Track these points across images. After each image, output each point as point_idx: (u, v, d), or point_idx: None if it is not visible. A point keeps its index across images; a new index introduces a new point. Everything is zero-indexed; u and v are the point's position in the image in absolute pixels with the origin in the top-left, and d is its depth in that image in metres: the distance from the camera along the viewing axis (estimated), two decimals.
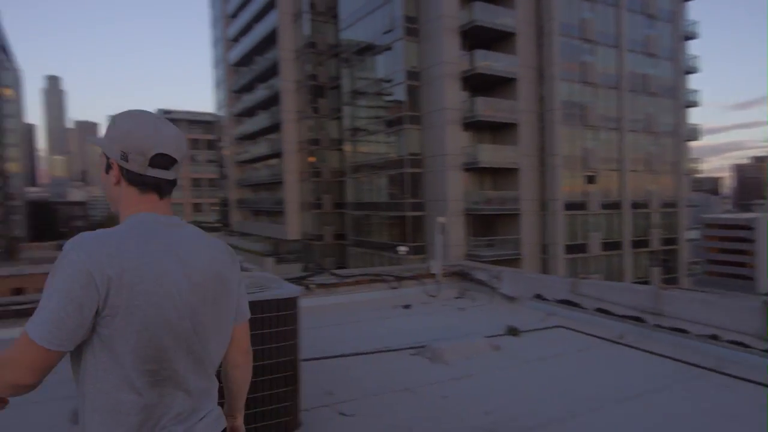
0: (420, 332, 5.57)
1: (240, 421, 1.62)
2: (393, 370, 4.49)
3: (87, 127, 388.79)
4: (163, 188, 1.36)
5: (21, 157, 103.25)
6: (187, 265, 1.28)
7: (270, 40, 42.32)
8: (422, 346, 4.95)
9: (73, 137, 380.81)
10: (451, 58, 27.06)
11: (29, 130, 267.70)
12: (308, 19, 38.03)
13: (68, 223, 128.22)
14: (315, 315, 6.15)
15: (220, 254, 1.40)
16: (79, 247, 1.18)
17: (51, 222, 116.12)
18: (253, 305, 3.10)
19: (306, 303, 6.35)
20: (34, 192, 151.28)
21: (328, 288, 6.75)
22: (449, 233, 26.12)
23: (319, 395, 3.93)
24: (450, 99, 27.18)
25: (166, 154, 1.33)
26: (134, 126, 1.32)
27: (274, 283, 3.53)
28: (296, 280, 6.53)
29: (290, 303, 3.30)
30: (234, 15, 51.39)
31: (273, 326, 3.27)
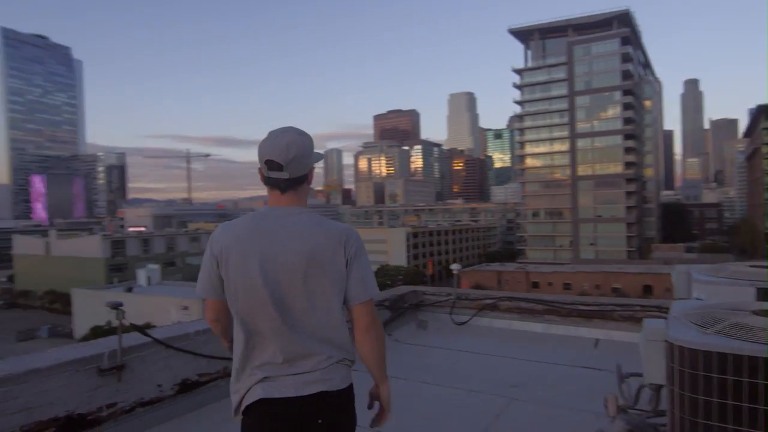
0: None
1: (381, 389, 1.81)
2: None
3: (723, 125, 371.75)
4: (281, 186, 1.74)
5: (657, 162, 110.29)
6: (276, 246, 1.67)
7: None
8: None
9: (709, 138, 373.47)
10: None
11: (667, 136, 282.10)
12: None
13: (701, 225, 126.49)
14: None
15: (323, 240, 1.69)
16: (211, 235, 1.76)
17: (683, 224, 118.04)
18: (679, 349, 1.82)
19: None
20: (667, 195, 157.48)
21: None
22: None
23: None
24: None
25: (272, 160, 1.70)
26: (263, 141, 1.75)
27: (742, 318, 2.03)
28: None
29: (752, 364, 1.72)
30: None
31: (713, 394, 1.79)
